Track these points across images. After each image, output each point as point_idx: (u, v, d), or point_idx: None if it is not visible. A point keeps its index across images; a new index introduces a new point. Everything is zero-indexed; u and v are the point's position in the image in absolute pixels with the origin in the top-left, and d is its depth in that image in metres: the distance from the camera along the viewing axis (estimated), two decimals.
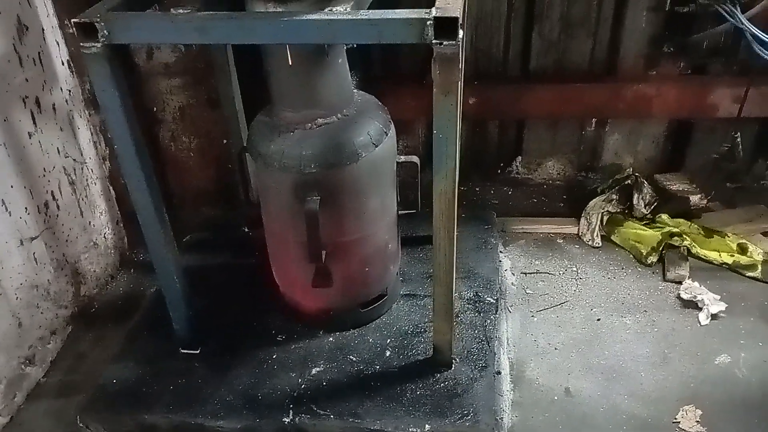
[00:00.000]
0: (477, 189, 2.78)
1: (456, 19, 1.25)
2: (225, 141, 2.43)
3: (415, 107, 2.53)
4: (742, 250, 2.29)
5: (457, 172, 1.49)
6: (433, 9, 1.27)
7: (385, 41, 1.30)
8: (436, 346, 1.81)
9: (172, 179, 2.58)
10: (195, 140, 2.50)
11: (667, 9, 2.32)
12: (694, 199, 2.56)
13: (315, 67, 1.60)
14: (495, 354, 1.87)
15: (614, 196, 2.52)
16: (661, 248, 2.31)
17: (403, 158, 1.86)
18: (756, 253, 2.27)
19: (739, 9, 2.00)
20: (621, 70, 2.48)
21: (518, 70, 2.55)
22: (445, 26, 1.26)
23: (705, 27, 2.21)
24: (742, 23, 1.98)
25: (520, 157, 2.77)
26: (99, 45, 1.37)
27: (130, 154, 1.55)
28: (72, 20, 1.36)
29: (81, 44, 1.37)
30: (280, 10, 1.40)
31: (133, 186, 1.61)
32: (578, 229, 2.50)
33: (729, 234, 2.34)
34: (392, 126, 1.78)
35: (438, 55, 1.30)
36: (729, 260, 2.28)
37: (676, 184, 2.62)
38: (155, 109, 2.40)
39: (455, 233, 1.58)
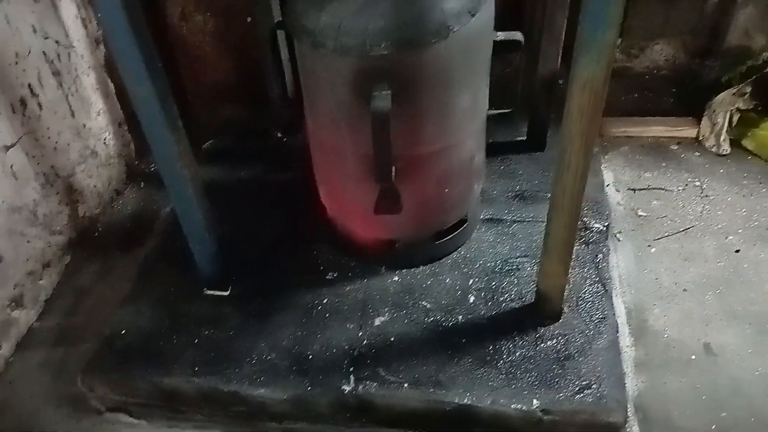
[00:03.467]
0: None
1: None
2: (249, 19, 1.88)
3: None
4: None
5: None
6: None
7: None
8: (542, 293, 1.36)
9: (185, 70, 2.06)
10: (211, 18, 1.95)
11: None
12: None
13: None
14: (613, 301, 1.44)
15: (747, 89, 1.95)
16: None
17: (502, 35, 1.33)
18: None
19: None
20: None
21: None
22: None
23: None
24: None
25: (619, 39, 2.19)
26: None
27: (121, 26, 1.04)
28: None
29: None
30: None
31: (130, 76, 1.12)
32: (698, 131, 1.97)
33: None
34: None
35: None
36: None
37: None
38: None
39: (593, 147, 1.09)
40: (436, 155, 1.33)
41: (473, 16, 1.17)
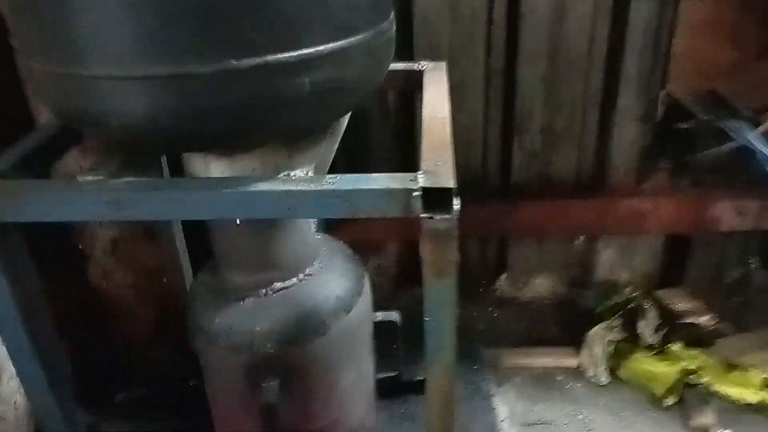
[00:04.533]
0: (459, 311, 2.46)
1: (450, 190, 0.96)
2: (164, 279, 2.07)
3: (387, 226, 2.24)
4: (767, 386, 2.02)
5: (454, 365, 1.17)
6: (420, 175, 0.98)
7: (360, 215, 1.00)
8: None
9: (106, 323, 2.19)
10: (131, 277, 2.13)
11: (659, 120, 2.13)
12: (703, 319, 2.30)
13: (271, 223, 1.29)
14: None
15: (616, 323, 2.23)
16: (678, 389, 2.01)
17: (380, 315, 1.54)
18: None
19: (746, 125, 1.80)
20: (611, 184, 2.25)
21: (499, 183, 2.30)
22: (437, 196, 0.97)
23: (707, 144, 2.00)
24: (752, 143, 1.77)
25: (505, 274, 2.49)
26: None
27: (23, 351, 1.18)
28: None
29: None
30: (219, 175, 1.10)
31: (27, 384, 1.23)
32: (579, 361, 2.19)
33: (751, 368, 2.07)
34: (366, 280, 1.46)
35: (428, 231, 1.00)
36: (753, 399, 1.99)
37: (680, 303, 2.36)
38: (81, 246, 2.04)
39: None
40: (327, 428, 1.45)
41: (348, 312, 1.37)
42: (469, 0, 2.01)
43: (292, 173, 1.08)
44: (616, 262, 2.43)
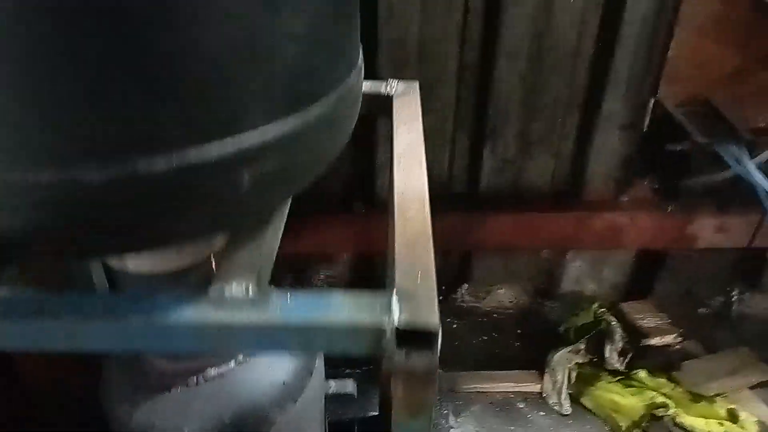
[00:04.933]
0: None
1: (433, 334, 0.73)
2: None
3: (341, 236, 2.01)
4: (733, 417, 1.94)
5: None
6: (394, 300, 0.73)
7: (315, 351, 0.76)
8: None
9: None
10: None
11: (645, 130, 1.92)
12: (669, 338, 2.19)
13: None
14: None
15: (582, 346, 2.09)
16: (643, 423, 1.91)
17: (333, 387, 1.31)
18: (749, 422, 1.91)
19: (746, 152, 1.61)
20: (588, 195, 2.05)
21: (466, 190, 2.07)
22: (418, 334, 0.73)
23: (700, 169, 1.82)
24: (750, 173, 1.59)
25: (466, 285, 2.30)
26: None
27: None
28: None
29: None
30: (135, 270, 0.82)
31: None
32: (542, 386, 2.05)
33: (717, 398, 1.98)
34: (318, 357, 1.22)
35: (403, 371, 0.76)
36: (718, 431, 1.92)
37: (646, 319, 2.24)
38: None
39: None
40: None
41: (296, 401, 1.14)
42: None
43: (226, 289, 0.81)
44: (584, 274, 2.27)
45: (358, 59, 0.86)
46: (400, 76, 1.34)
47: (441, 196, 2.05)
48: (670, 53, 1.81)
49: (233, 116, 0.65)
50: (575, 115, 1.94)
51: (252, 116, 0.66)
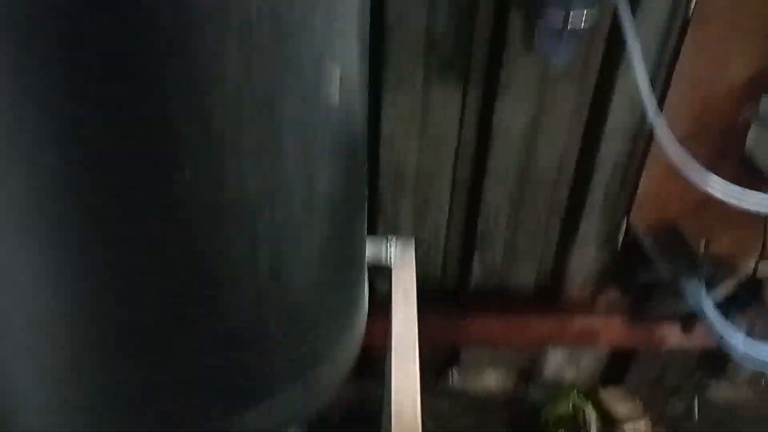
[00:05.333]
0: None
1: None
2: None
3: None
4: None
5: None
6: None
7: None
8: None
9: None
10: None
11: (618, 248, 2.14)
12: (641, 425, 2.40)
13: None
14: None
15: None
16: None
17: None
18: None
19: (704, 289, 1.81)
20: (567, 298, 2.27)
21: (456, 287, 2.28)
22: None
23: (665, 301, 2.03)
24: (705, 313, 1.78)
25: (455, 369, 2.51)
26: None
27: None
28: None
29: None
30: None
31: None
32: None
33: None
34: None
35: None
36: None
37: (619, 406, 2.44)
38: None
39: None
40: None
41: None
42: (438, 124, 1.92)
43: None
44: (563, 364, 2.48)
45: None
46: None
47: (432, 293, 2.26)
48: (640, 184, 2.02)
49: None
50: (556, 231, 2.15)
51: None
